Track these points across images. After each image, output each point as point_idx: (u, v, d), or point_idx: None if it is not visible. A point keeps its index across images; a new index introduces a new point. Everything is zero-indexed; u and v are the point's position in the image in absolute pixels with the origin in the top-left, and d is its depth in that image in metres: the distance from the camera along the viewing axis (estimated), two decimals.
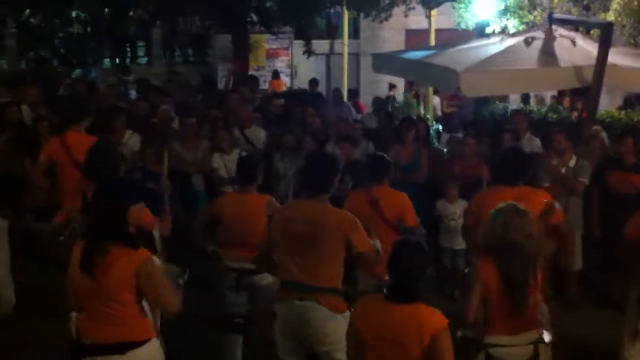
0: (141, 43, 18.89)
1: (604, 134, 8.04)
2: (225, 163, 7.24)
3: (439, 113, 15.09)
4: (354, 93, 15.11)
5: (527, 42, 8.90)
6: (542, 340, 3.92)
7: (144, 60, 18.83)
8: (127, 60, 18.21)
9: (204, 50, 18.68)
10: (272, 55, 17.95)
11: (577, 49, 8.74)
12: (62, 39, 16.89)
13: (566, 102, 13.01)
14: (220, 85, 14.07)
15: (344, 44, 17.05)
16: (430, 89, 15.23)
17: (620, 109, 12.67)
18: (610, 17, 12.35)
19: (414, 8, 14.03)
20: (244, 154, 7.15)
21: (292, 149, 7.37)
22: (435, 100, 15.54)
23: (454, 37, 13.89)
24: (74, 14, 15.18)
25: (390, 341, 3.33)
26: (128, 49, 18.61)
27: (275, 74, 16.02)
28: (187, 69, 17.16)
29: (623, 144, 6.65)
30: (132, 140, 7.22)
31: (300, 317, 4.13)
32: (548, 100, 13.77)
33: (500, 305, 3.86)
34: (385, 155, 5.71)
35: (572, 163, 6.71)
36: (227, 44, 14.59)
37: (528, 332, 3.88)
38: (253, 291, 5.12)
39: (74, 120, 5.92)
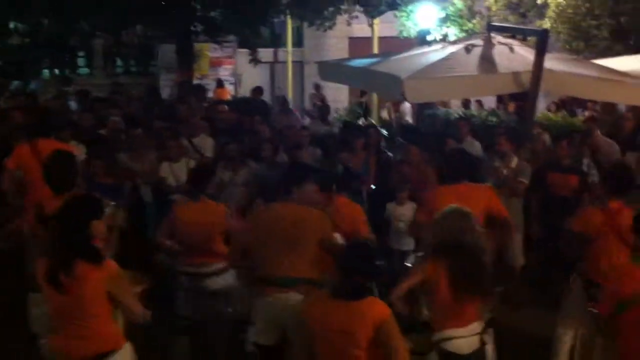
0: (82, 53, 18.56)
1: (546, 136, 8.32)
2: (174, 172, 7.23)
3: (409, 119, 14.93)
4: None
5: (468, 50, 9.16)
6: (486, 331, 4.12)
7: (86, 71, 18.52)
8: (68, 71, 17.87)
9: (147, 60, 18.49)
10: (215, 64, 17.90)
11: (515, 56, 9.04)
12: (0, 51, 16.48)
13: (511, 106, 13.35)
14: (165, 95, 13.96)
15: (288, 52, 17.18)
16: (375, 96, 15.45)
17: (558, 109, 13.12)
18: (546, 24, 12.83)
19: (357, 17, 14.25)
20: (192, 162, 7.21)
21: (236, 158, 7.38)
22: (406, 105, 15.55)
23: (397, 45, 14.19)
24: (12, 24, 14.84)
25: (338, 332, 3.50)
26: (68, 60, 18.26)
27: (220, 83, 15.99)
28: (129, 80, 16.94)
29: (560, 146, 6.92)
30: (78, 152, 7.11)
31: (283, 308, 4.40)
32: (494, 105, 14.11)
33: (449, 303, 4.01)
34: (351, 168, 5.83)
35: (513, 164, 6.95)
36: (170, 54, 14.52)
37: (474, 323, 4.05)
38: (208, 296, 5.31)
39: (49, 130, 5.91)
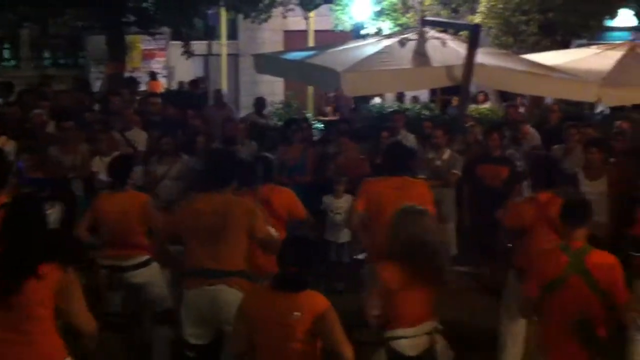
0: (7, 44, 17.93)
1: (478, 129, 8.50)
2: (106, 166, 7.06)
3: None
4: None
5: (402, 43, 9.27)
6: (438, 330, 4.13)
7: (12, 62, 17.89)
8: None
9: (76, 52, 18.00)
10: (148, 56, 17.60)
11: (448, 50, 9.20)
12: None
13: (455, 101, 13.52)
14: (95, 88, 13.63)
15: (222, 45, 16.99)
16: (311, 89, 15.47)
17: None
18: (478, 19, 13.11)
19: (292, 9, 14.23)
20: None
21: (170, 151, 7.27)
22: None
23: (332, 38, 14.22)
24: None
25: (277, 324, 3.47)
26: None
27: (153, 76, 15.72)
28: (58, 72, 16.47)
29: (490, 139, 7.09)
30: (8, 147, 6.89)
31: (212, 301, 4.37)
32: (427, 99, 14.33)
33: (403, 303, 4.00)
34: (268, 156, 5.84)
35: (446, 156, 7.08)
36: (100, 46, 14.15)
37: (425, 322, 4.05)
38: (129, 289, 5.27)
39: None
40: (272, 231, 4.56)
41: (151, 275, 5.33)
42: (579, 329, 3.87)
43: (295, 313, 3.46)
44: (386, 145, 6.10)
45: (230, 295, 4.33)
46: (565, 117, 9.36)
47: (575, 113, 11.10)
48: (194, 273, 4.44)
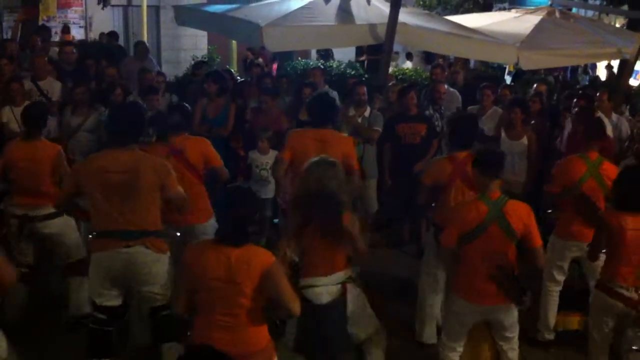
0: None
1: (399, 88, 8.54)
2: (16, 116, 6.77)
3: None
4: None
5: (326, 0, 9.22)
6: (351, 280, 4.21)
7: None
8: None
9: None
10: (63, 5, 16.77)
11: (372, 8, 9.22)
12: None
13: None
14: (7, 35, 12.96)
15: None
16: (234, 43, 15.21)
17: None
18: None
19: None
20: None
21: (85, 102, 7.02)
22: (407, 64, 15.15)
23: None
24: None
25: (224, 281, 3.40)
26: None
27: (66, 29, 14.98)
28: None
29: (407, 97, 7.18)
30: None
31: (126, 263, 4.22)
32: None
33: (313, 251, 4.08)
34: (185, 105, 5.71)
35: (367, 114, 7.14)
36: None
37: (338, 272, 4.14)
38: (39, 240, 5.20)
39: None
40: (180, 189, 4.39)
41: (63, 226, 5.23)
42: (497, 273, 4.10)
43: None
44: (312, 97, 6.09)
45: (147, 257, 4.24)
46: (477, 78, 9.58)
47: (489, 74, 11.40)
48: (105, 234, 4.24)
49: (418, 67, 14.07)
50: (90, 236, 4.51)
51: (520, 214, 4.16)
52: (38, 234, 5.18)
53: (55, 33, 14.30)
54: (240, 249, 3.43)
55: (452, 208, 4.41)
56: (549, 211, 5.58)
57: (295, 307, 3.46)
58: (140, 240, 4.22)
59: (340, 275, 4.15)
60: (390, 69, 10.26)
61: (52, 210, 5.14)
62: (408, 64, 15.19)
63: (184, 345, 3.68)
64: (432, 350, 4.92)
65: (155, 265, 4.29)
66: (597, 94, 7.54)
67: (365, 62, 14.64)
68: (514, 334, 4.40)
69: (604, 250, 4.58)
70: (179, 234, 4.84)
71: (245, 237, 3.48)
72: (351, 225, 4.10)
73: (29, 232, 5.13)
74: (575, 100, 7.23)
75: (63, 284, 5.48)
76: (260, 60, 13.32)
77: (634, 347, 4.43)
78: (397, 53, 16.08)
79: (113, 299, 4.36)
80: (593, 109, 6.62)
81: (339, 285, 4.13)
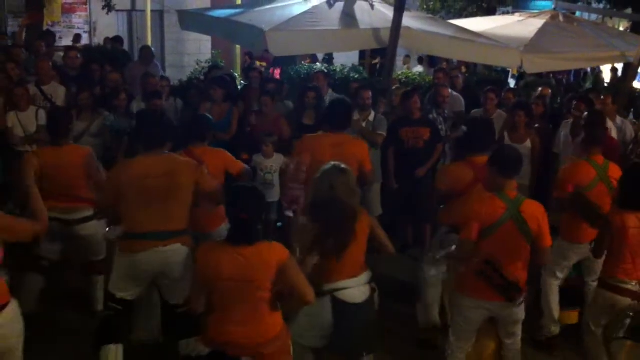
0: None
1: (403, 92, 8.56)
2: (21, 121, 6.81)
3: None
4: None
5: (330, 5, 9.25)
6: (373, 280, 4.24)
7: None
8: None
9: None
10: (68, 10, 16.86)
11: (376, 12, 9.24)
12: None
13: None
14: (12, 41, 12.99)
15: (147, 0, 16.45)
16: (238, 48, 15.24)
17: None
18: None
19: None
20: (42, 112, 6.81)
21: (89, 107, 7.04)
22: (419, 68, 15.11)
23: None
24: None
25: (241, 281, 3.47)
26: None
27: (77, 38, 15.07)
28: None
29: (410, 101, 7.18)
30: None
31: (165, 261, 4.37)
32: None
33: (333, 259, 4.05)
34: (208, 117, 5.74)
35: (371, 118, 7.13)
36: None
37: (364, 273, 4.17)
38: (69, 241, 5.31)
39: None
40: (214, 183, 4.61)
41: (97, 228, 5.30)
42: (485, 268, 4.17)
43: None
44: (330, 102, 6.10)
45: (182, 255, 4.39)
46: (481, 82, 9.58)
47: (493, 78, 11.38)
48: (141, 236, 4.35)
49: (422, 71, 14.08)
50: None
51: (536, 213, 4.20)
52: (75, 236, 5.30)
53: (60, 38, 14.36)
54: (253, 246, 3.51)
55: (472, 203, 4.37)
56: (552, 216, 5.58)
57: (311, 295, 3.57)
58: (177, 239, 4.38)
59: (367, 276, 4.19)
60: (401, 73, 10.29)
61: (87, 213, 5.27)
62: (419, 68, 15.11)
63: (199, 341, 3.73)
64: (436, 352, 4.92)
65: (186, 260, 4.41)
66: (602, 97, 7.52)
67: (378, 65, 14.67)
68: (518, 330, 4.45)
69: None
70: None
71: (256, 235, 3.54)
72: (374, 225, 4.19)
73: (67, 234, 5.25)
74: (574, 102, 7.21)
75: (84, 281, 5.63)
76: (258, 64, 13.31)
77: (620, 335, 4.46)
78: (408, 56, 16.08)
79: (130, 294, 4.50)
80: (600, 113, 6.60)
81: (368, 285, 4.18)
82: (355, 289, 4.10)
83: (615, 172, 5.13)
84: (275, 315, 3.63)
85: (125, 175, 4.41)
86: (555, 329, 5.46)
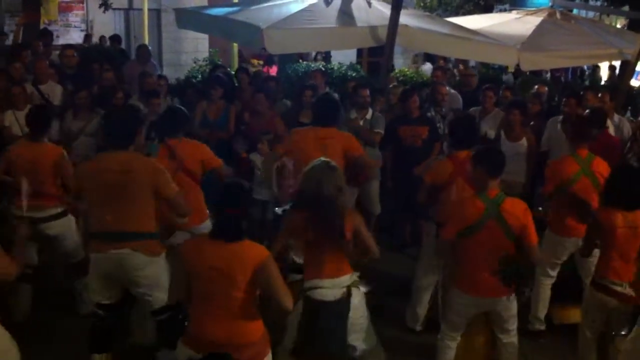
0: None
1: (400, 90, 8.56)
2: (19, 120, 6.79)
3: None
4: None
5: (327, 2, 9.23)
6: (356, 284, 4.22)
7: None
8: None
9: None
10: (65, 9, 16.82)
11: (373, 10, 9.22)
12: None
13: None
14: (9, 40, 12.95)
15: None
16: (236, 46, 15.23)
17: None
18: None
19: None
20: None
21: (86, 106, 7.02)
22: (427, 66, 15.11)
23: None
24: None
25: (217, 275, 3.44)
26: None
27: (87, 39, 15.09)
28: None
29: (410, 100, 7.18)
30: None
31: (117, 265, 4.28)
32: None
33: (315, 254, 4.11)
34: (180, 108, 5.72)
35: (368, 116, 7.13)
36: None
37: (344, 276, 4.15)
38: (44, 241, 5.28)
39: None
40: (175, 187, 4.43)
41: (65, 227, 5.30)
42: (501, 264, 4.18)
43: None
44: (317, 98, 6.14)
45: (136, 259, 4.28)
46: (483, 80, 9.57)
47: (490, 76, 11.38)
48: (99, 236, 4.32)
49: (420, 69, 14.07)
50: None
51: (517, 211, 4.23)
52: (41, 235, 5.23)
53: (57, 37, 14.32)
54: (234, 244, 3.47)
55: (451, 204, 4.49)
56: (539, 209, 5.62)
57: (288, 301, 3.47)
58: (130, 243, 4.26)
59: (346, 279, 4.16)
60: (398, 71, 10.23)
61: (54, 211, 5.23)
62: (429, 66, 14.97)
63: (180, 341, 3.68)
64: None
65: (148, 268, 4.33)
66: (599, 95, 7.53)
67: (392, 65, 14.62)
68: (513, 326, 4.50)
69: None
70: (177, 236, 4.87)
71: (240, 231, 3.51)
72: (359, 225, 4.15)
73: (35, 234, 5.11)
74: (564, 99, 7.23)
75: (67, 282, 5.59)
76: (256, 62, 13.28)
77: (622, 333, 4.47)
78: (417, 55, 15.99)
79: (108, 298, 4.45)
80: (603, 111, 6.60)
81: (344, 289, 4.14)
82: (330, 289, 4.09)
83: (600, 166, 5.20)
84: (254, 322, 3.56)
85: (85, 169, 4.43)
86: (541, 326, 5.57)
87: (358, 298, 4.22)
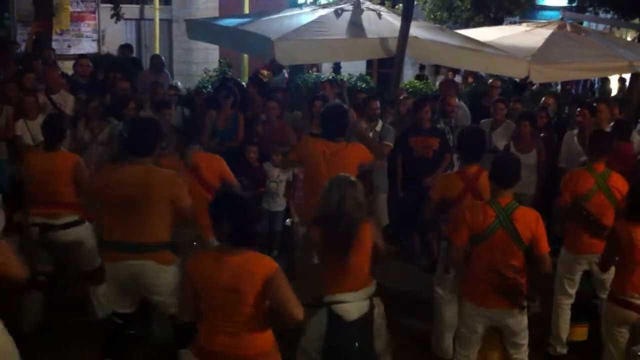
0: None
1: (410, 102, 8.57)
2: (30, 129, 6.84)
3: None
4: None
5: (337, 14, 9.28)
6: (376, 295, 4.22)
7: None
8: None
9: (1, 12, 17.18)
10: (77, 18, 16.94)
11: (383, 22, 9.26)
12: None
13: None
14: (21, 49, 13.05)
15: (156, 9, 16.52)
16: (246, 57, 15.29)
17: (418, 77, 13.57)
18: None
19: None
20: None
21: (98, 116, 7.06)
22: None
23: (268, 5, 14.04)
24: None
25: (225, 290, 3.41)
26: None
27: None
28: None
29: (422, 111, 7.17)
30: None
31: (132, 275, 4.33)
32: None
33: (336, 268, 4.08)
34: (196, 120, 5.77)
35: (378, 128, 7.13)
36: (27, 6, 13.56)
37: (366, 288, 4.15)
38: (58, 249, 5.26)
39: None
40: (190, 202, 4.45)
41: (82, 234, 5.29)
42: (496, 278, 4.15)
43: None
44: (324, 108, 6.13)
45: (150, 271, 4.32)
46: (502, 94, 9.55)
47: (503, 88, 11.34)
48: (113, 246, 4.36)
49: (429, 80, 14.08)
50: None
51: (529, 220, 4.19)
52: (57, 242, 5.24)
53: (69, 46, 14.44)
54: (241, 255, 3.43)
55: (463, 210, 4.41)
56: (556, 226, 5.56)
57: (299, 313, 3.42)
58: (144, 254, 4.29)
59: (368, 290, 4.16)
60: (408, 82, 10.17)
61: (71, 219, 5.22)
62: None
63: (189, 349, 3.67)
64: None
65: (162, 276, 4.35)
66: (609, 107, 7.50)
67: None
68: (523, 341, 4.39)
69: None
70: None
71: (249, 238, 3.47)
72: (376, 236, 4.16)
73: (48, 240, 5.20)
74: (578, 109, 7.19)
75: (80, 291, 5.55)
76: (265, 73, 13.27)
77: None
78: (437, 66, 15.93)
79: (126, 307, 4.50)
80: (628, 124, 6.56)
81: (368, 301, 4.14)
82: (353, 303, 4.08)
83: (617, 182, 5.11)
84: (264, 333, 3.53)
85: (106, 180, 4.43)
86: (562, 350, 5.40)
87: (380, 307, 4.24)
